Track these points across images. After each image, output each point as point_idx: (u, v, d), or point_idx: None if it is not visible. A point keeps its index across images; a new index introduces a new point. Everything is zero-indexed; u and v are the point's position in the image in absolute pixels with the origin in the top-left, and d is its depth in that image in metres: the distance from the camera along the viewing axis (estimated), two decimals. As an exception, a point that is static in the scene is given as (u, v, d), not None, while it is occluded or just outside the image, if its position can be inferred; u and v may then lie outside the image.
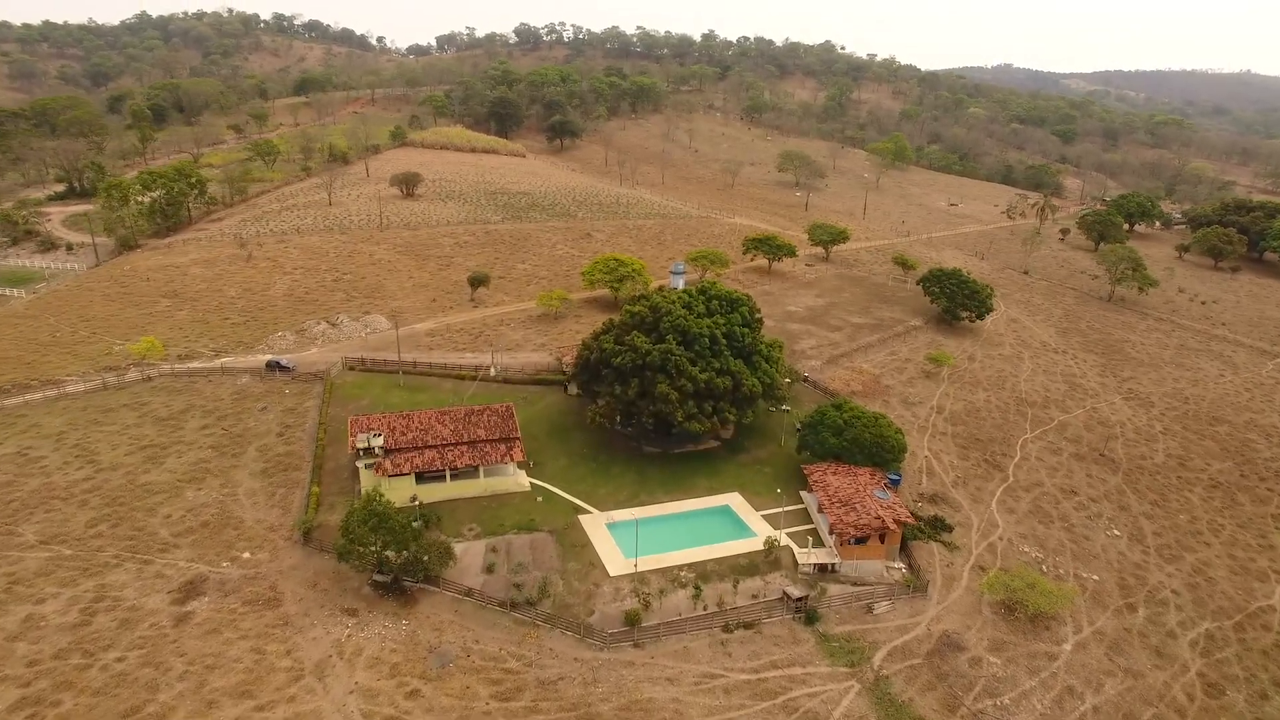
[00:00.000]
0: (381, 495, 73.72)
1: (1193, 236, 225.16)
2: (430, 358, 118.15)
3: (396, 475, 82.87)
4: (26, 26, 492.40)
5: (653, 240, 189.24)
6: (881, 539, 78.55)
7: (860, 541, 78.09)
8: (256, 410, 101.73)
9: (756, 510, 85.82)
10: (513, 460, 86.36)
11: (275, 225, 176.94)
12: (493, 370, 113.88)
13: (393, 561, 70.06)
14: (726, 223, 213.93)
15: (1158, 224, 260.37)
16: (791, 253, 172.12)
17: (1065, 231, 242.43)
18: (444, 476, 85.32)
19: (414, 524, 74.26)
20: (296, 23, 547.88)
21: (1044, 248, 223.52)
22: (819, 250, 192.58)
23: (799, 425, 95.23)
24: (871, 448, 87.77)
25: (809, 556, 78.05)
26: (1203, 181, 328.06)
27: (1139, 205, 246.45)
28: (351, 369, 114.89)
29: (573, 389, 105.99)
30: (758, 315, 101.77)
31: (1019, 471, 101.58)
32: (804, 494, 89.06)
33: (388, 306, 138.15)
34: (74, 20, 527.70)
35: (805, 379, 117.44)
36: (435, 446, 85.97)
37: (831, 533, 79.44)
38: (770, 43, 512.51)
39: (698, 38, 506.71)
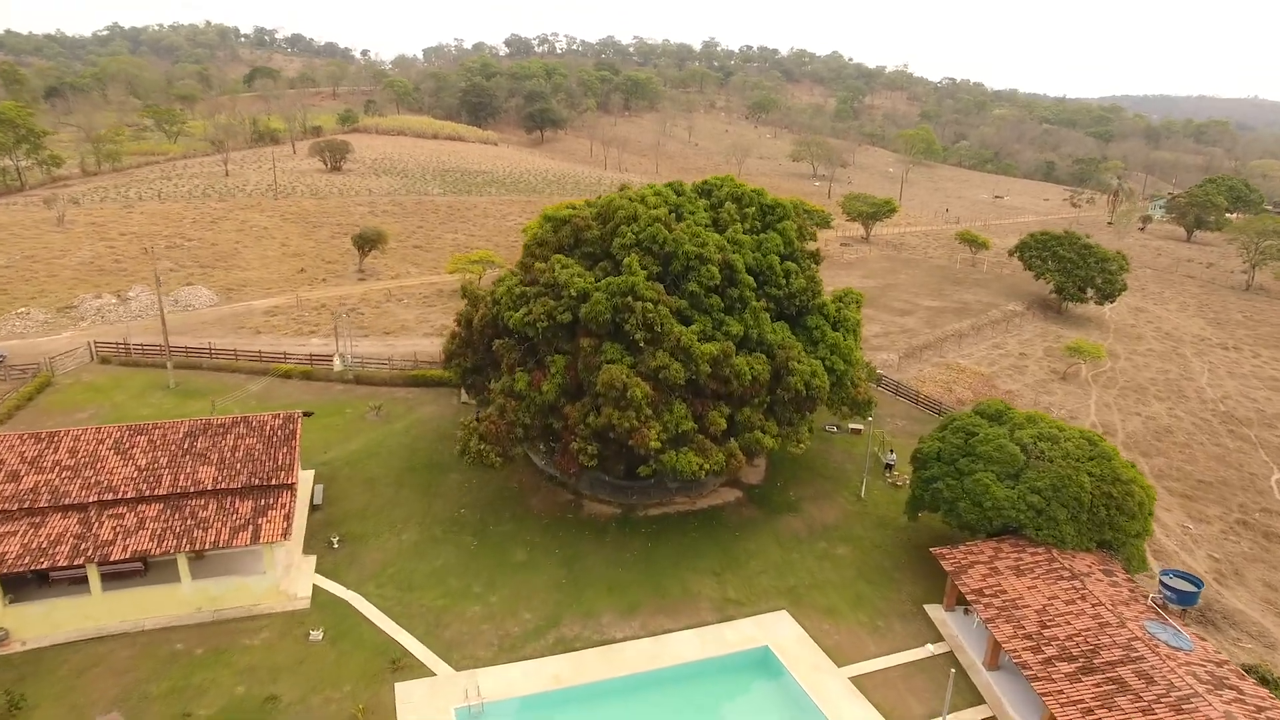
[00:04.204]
0: None
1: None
2: (241, 344, 68.11)
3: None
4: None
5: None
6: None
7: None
8: None
9: (838, 664, 35.00)
10: (273, 539, 35.72)
11: (135, 192, 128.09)
12: (337, 363, 63.65)
13: None
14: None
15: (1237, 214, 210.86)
16: (826, 223, 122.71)
17: (1147, 219, 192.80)
18: (101, 580, 34.86)
19: None
20: (278, 36, 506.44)
21: (1128, 237, 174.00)
22: (856, 230, 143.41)
23: (914, 462, 44.31)
24: (1090, 508, 37.06)
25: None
26: (1269, 177, 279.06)
27: (1231, 189, 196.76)
28: (106, 360, 65.02)
29: (466, 396, 55.60)
30: (811, 243, 51.55)
31: (1323, 547, 50.75)
32: (938, 614, 38.30)
33: (229, 279, 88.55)
34: (41, 30, 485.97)
35: (880, 379, 67.13)
36: (82, 507, 35.61)
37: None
38: (775, 51, 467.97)
39: (698, 46, 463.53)
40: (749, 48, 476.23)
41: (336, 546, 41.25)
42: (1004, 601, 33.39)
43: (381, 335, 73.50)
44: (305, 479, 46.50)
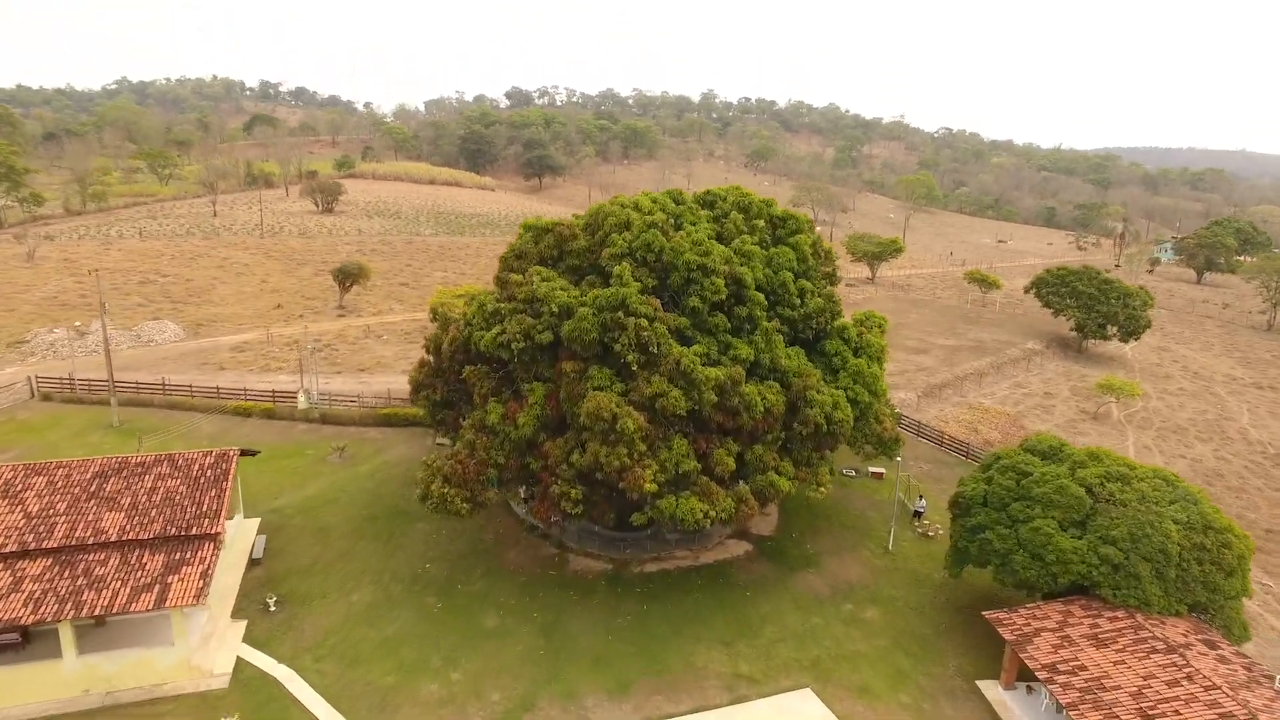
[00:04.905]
0: None
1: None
2: (202, 381, 61.80)
3: None
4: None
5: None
6: None
7: None
8: None
9: (879, 760, 28.15)
10: (184, 603, 29.06)
11: (117, 230, 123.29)
12: (302, 400, 57.35)
13: None
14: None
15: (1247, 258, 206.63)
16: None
17: (1155, 262, 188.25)
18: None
19: None
20: (282, 89, 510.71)
21: (1137, 280, 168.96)
22: (861, 272, 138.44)
23: (953, 509, 37.68)
24: (1179, 563, 30.49)
25: None
26: (1269, 222, 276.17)
27: (1238, 231, 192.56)
28: (47, 397, 58.75)
29: (442, 437, 49.16)
30: (829, 263, 45.72)
31: None
32: (995, 693, 31.36)
33: (200, 314, 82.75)
34: (52, 85, 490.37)
35: (901, 418, 60.73)
36: (-49, 565, 29.11)
37: None
38: (773, 103, 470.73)
39: (696, 98, 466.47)
40: (747, 99, 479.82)
41: (273, 609, 34.49)
42: (1086, 681, 26.59)
43: (356, 372, 67.35)
44: (247, 529, 39.93)
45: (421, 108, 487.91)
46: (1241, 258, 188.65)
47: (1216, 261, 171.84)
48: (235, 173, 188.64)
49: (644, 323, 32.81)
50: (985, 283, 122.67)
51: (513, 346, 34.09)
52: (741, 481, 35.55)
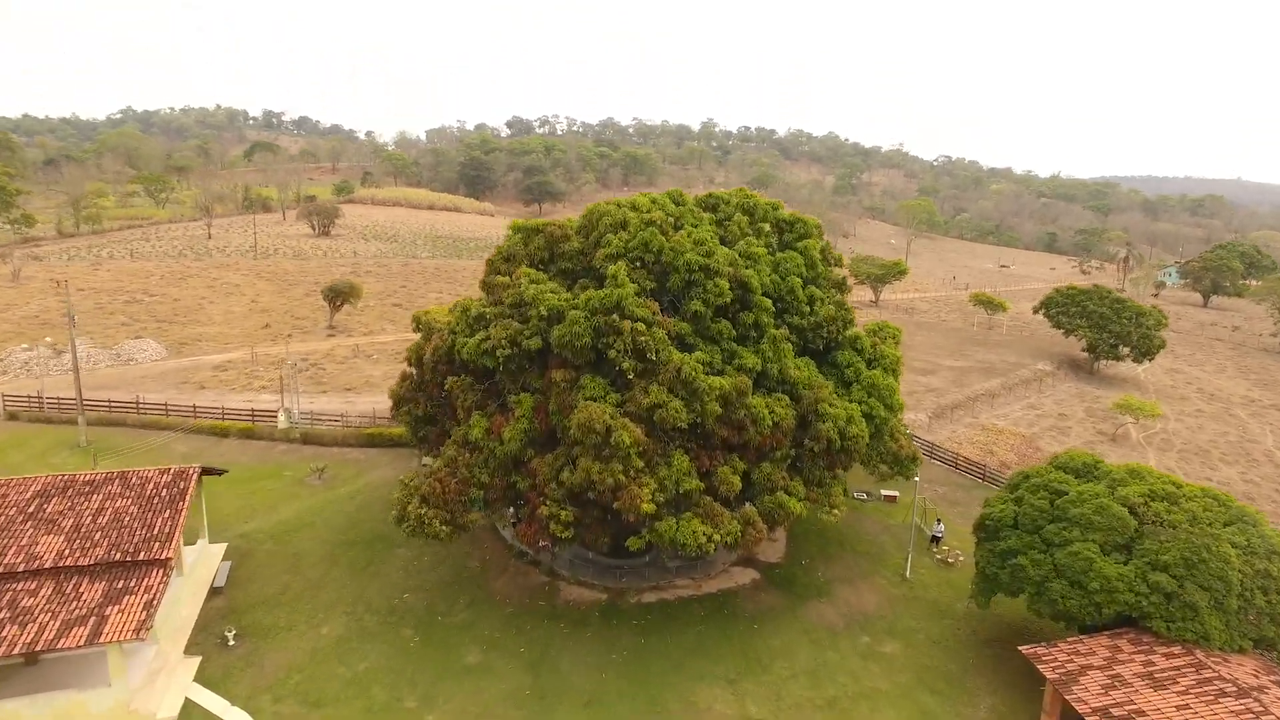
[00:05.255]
0: None
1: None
2: (181, 400, 58.71)
3: None
4: (3, 119, 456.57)
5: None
6: None
7: None
8: None
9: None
10: (122, 637, 25.78)
11: (108, 252, 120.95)
12: (282, 419, 54.26)
13: None
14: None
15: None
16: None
17: (1160, 286, 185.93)
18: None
19: None
20: (285, 118, 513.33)
21: (1143, 303, 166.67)
22: (864, 295, 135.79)
23: (979, 532, 34.33)
24: (1241, 592, 27.20)
25: None
26: (1270, 247, 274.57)
27: (1243, 255, 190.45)
28: (13, 416, 55.66)
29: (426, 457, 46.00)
30: (838, 269, 42.87)
31: None
32: (1032, 739, 28.02)
33: (185, 333, 79.90)
34: (58, 114, 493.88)
35: (913, 439, 57.47)
36: None
37: None
38: (772, 132, 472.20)
39: (696, 127, 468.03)
40: (747, 128, 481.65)
41: (232, 643, 31.15)
42: (1146, 729, 23.27)
43: (342, 392, 64.32)
44: (210, 555, 36.66)
45: (423, 137, 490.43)
46: (1247, 281, 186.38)
47: (1223, 285, 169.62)
48: (233, 197, 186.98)
49: (641, 327, 29.88)
50: (991, 305, 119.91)
51: (498, 354, 31.12)
52: (748, 503, 32.35)
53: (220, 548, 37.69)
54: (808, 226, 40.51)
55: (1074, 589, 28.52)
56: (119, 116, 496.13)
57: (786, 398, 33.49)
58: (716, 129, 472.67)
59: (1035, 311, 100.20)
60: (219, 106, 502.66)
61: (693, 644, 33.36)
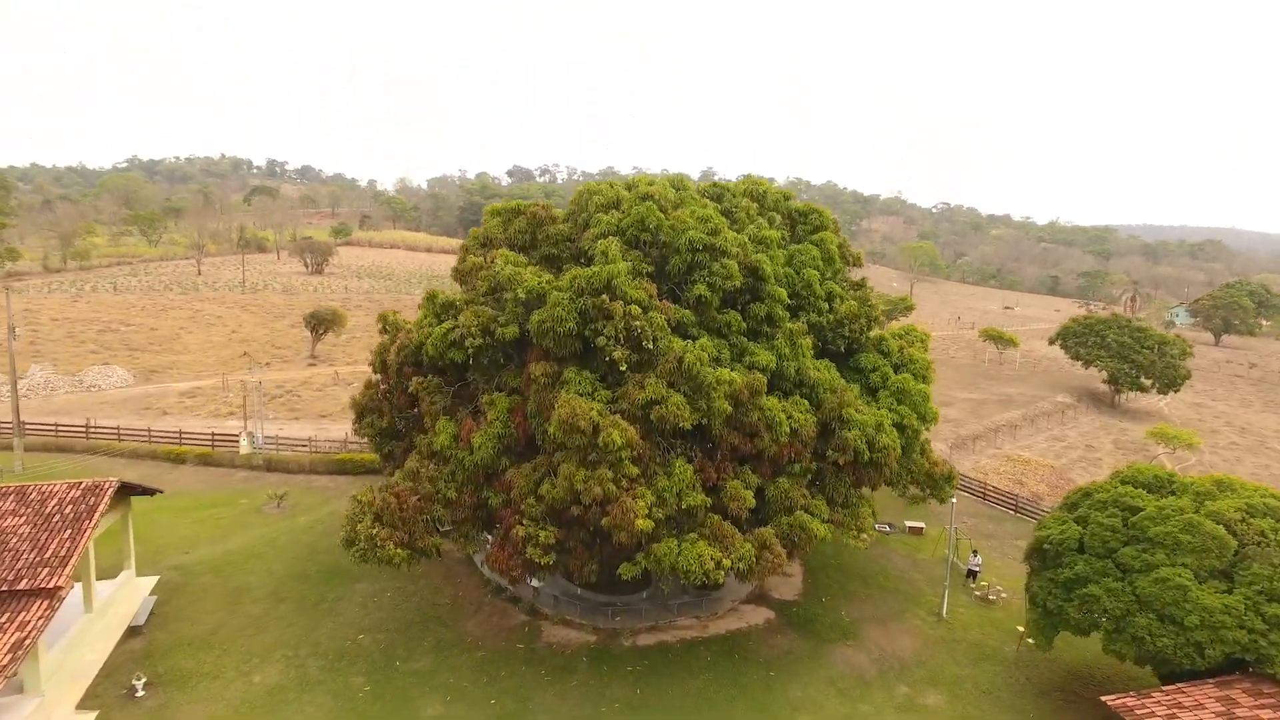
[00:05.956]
0: None
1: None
2: (136, 424, 53.73)
3: None
4: (11, 168, 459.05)
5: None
6: None
7: None
8: None
9: None
10: (-1, 684, 20.52)
11: (91, 285, 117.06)
12: (244, 444, 49.23)
13: None
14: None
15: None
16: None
17: (1169, 325, 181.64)
18: None
19: None
20: (288, 167, 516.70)
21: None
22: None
23: (1033, 559, 29.02)
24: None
25: None
26: (1274, 292, 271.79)
27: (1252, 294, 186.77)
28: (-49, 445, 50.64)
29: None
30: (857, 268, 38.36)
31: None
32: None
33: (157, 361, 75.19)
34: (65, 164, 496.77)
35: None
36: None
37: None
38: (772, 180, 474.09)
39: (695, 175, 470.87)
40: (748, 175, 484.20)
41: (140, 694, 25.70)
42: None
43: (316, 419, 59.35)
44: (136, 589, 31.36)
45: (424, 185, 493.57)
46: (1259, 320, 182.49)
47: (1234, 323, 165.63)
48: (227, 236, 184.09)
49: (636, 310, 25.18)
50: (1001, 340, 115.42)
51: (468, 344, 26.38)
52: (766, 522, 27.26)
53: (149, 581, 32.40)
54: (824, 218, 36.17)
55: (1165, 625, 23.27)
56: (124, 165, 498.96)
57: (805, 402, 28.66)
58: (716, 177, 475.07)
59: (1051, 343, 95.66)
60: (223, 155, 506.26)
61: (698, 695, 27.91)
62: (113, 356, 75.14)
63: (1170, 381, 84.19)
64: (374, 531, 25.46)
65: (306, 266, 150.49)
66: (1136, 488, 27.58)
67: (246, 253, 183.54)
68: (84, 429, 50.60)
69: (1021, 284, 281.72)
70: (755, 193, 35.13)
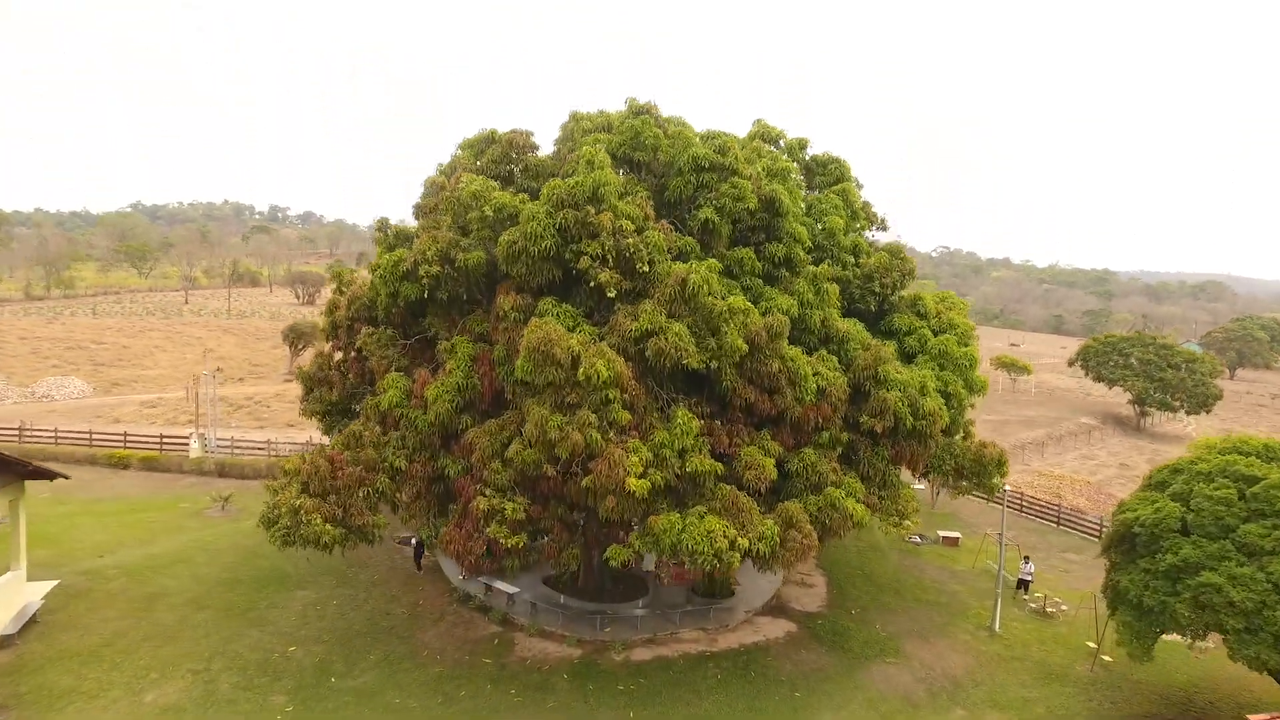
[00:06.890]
0: None
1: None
2: (75, 428, 48.38)
3: None
4: (16, 213, 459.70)
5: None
6: None
7: None
8: None
9: None
10: None
11: (71, 311, 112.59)
12: (194, 447, 43.90)
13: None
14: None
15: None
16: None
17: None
18: None
19: None
20: (290, 212, 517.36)
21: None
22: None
23: (1117, 548, 23.51)
24: None
25: None
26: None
27: (1264, 327, 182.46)
28: None
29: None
30: (881, 232, 33.57)
31: None
32: None
33: (122, 375, 70.09)
34: (69, 209, 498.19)
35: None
36: None
37: None
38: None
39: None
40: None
41: None
42: None
43: (282, 428, 54.02)
44: (21, 593, 25.73)
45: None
46: (1276, 354, 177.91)
47: (1249, 356, 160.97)
48: (220, 271, 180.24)
49: (627, 225, 20.22)
50: (1015, 367, 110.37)
51: (422, 275, 21.33)
52: (792, 496, 21.88)
53: (46, 585, 26.77)
54: (843, 168, 31.40)
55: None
56: (128, 210, 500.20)
57: (834, 359, 23.56)
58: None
59: (1071, 364, 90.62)
60: (226, 201, 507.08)
61: (705, 719, 22.17)
62: (74, 370, 70.09)
63: (1201, 401, 78.95)
64: (298, 503, 20.06)
65: (298, 298, 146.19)
66: (1244, 456, 22.26)
67: (240, 286, 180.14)
68: (16, 431, 45.24)
69: (1025, 324, 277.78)
70: (768, 135, 30.43)
